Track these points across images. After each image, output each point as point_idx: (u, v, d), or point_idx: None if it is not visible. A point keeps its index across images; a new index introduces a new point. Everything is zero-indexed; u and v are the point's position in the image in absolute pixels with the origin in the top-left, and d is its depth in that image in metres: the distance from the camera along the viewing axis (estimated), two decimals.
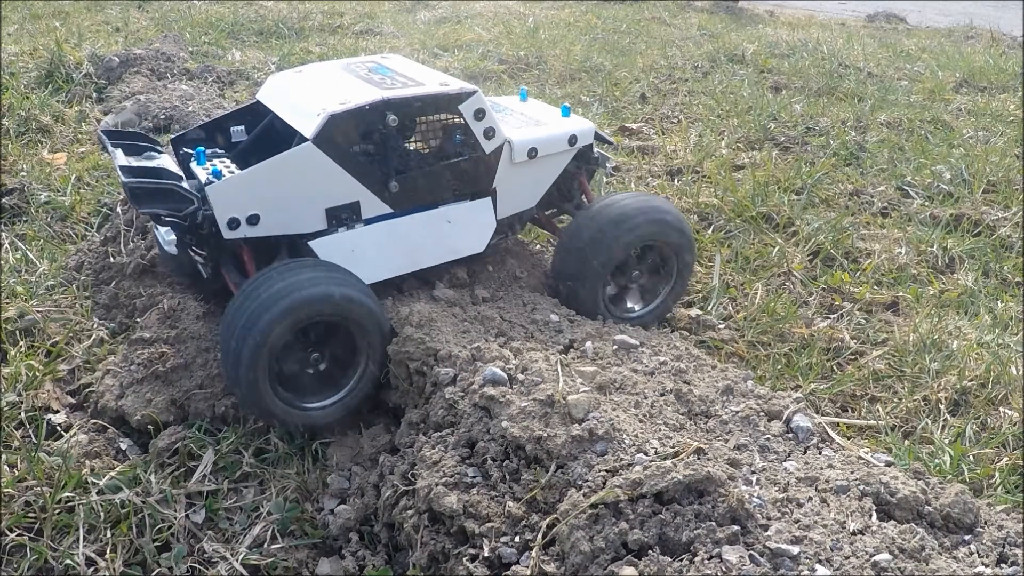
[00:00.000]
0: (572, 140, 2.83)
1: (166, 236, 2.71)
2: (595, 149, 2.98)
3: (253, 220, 2.33)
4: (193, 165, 2.63)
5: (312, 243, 2.44)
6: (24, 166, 4.10)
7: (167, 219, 2.40)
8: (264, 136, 2.77)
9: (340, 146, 2.35)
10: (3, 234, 3.44)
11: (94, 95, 5.32)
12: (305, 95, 2.54)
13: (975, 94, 6.34)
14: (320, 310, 2.26)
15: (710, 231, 3.84)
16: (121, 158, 2.48)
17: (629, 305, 2.94)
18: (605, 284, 2.81)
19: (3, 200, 3.69)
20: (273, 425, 2.42)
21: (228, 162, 2.68)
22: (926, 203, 4.25)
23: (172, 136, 2.86)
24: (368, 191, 2.46)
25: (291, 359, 2.36)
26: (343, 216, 2.46)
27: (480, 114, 2.54)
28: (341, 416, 2.45)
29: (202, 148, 2.63)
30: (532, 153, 2.72)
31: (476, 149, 2.60)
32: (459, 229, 2.66)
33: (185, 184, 2.38)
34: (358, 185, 2.43)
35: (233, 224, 2.31)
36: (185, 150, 2.78)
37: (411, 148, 2.52)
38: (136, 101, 4.97)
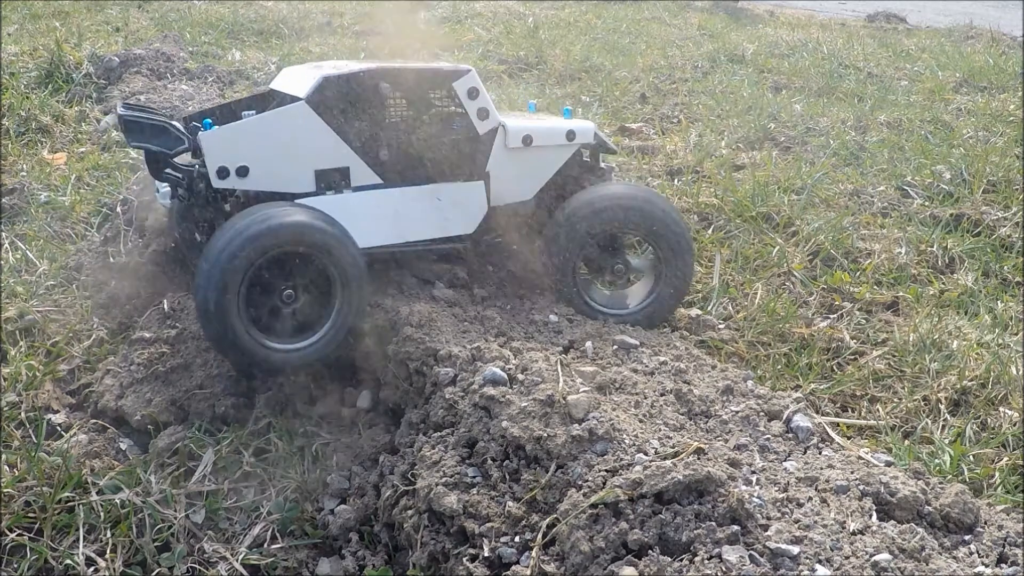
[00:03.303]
0: (570, 135, 2.84)
1: (162, 189, 2.75)
2: (602, 161, 2.99)
3: (242, 172, 2.39)
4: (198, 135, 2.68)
5: (300, 203, 2.47)
6: (24, 166, 4.10)
7: (166, 174, 2.46)
8: None
9: (332, 109, 2.42)
10: (3, 234, 3.44)
11: (94, 95, 5.31)
12: (309, 73, 2.60)
13: (975, 94, 6.34)
14: (289, 238, 2.28)
15: (710, 231, 3.84)
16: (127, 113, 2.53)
17: (621, 300, 2.92)
18: (575, 273, 2.80)
19: (3, 200, 3.69)
20: (244, 368, 2.42)
21: None
22: (926, 203, 4.25)
23: (185, 115, 2.89)
24: (358, 158, 2.51)
25: (265, 296, 2.37)
26: (332, 179, 2.50)
27: (473, 93, 2.59)
28: (314, 361, 2.44)
29: (209, 120, 2.67)
30: (527, 140, 2.74)
31: (469, 128, 2.63)
32: (449, 207, 2.68)
33: (178, 124, 2.43)
34: (348, 150, 2.48)
35: (223, 173, 2.37)
36: (195, 124, 2.82)
37: (403, 120, 2.56)
38: (136, 101, 4.97)
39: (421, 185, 2.62)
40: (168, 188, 2.65)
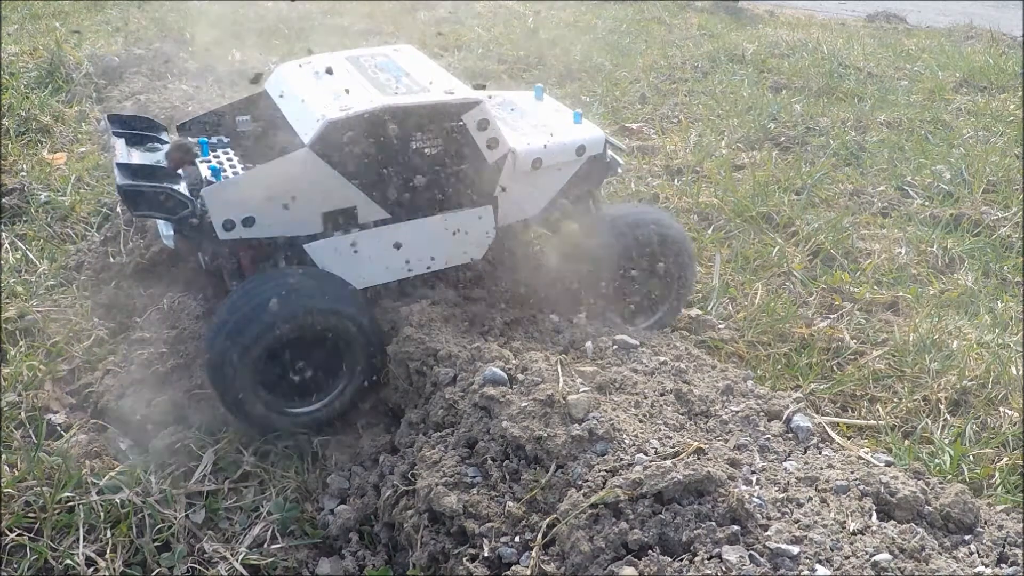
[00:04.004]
0: (580, 151, 2.78)
1: (165, 230, 2.72)
2: (608, 153, 2.95)
3: (248, 222, 2.33)
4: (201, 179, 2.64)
5: (308, 246, 2.43)
6: (24, 166, 4.10)
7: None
8: (270, 127, 2.76)
9: (338, 152, 2.33)
10: (3, 234, 3.44)
11: (94, 95, 5.31)
12: (309, 93, 2.51)
13: (975, 94, 6.34)
14: (304, 324, 2.28)
15: (710, 231, 3.84)
16: (121, 151, 2.47)
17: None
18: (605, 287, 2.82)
19: (3, 200, 3.69)
20: (257, 431, 2.43)
21: (231, 153, 2.68)
22: (926, 203, 4.25)
23: (179, 124, 2.86)
24: (365, 196, 2.44)
25: (276, 366, 2.37)
26: (339, 220, 2.44)
27: (483, 124, 2.50)
28: (326, 421, 2.46)
29: (205, 139, 2.62)
30: (536, 164, 2.69)
31: (478, 159, 2.55)
32: (457, 237, 2.63)
33: (182, 186, 2.38)
34: (355, 191, 2.41)
35: (228, 226, 2.32)
36: (190, 141, 2.78)
37: (411, 156, 2.49)
38: (136, 101, 4.97)
39: (429, 217, 2.57)
40: (171, 228, 2.63)
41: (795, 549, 1.72)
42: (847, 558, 1.72)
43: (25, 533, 2.03)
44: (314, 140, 2.30)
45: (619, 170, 3.01)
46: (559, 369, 2.25)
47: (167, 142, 2.66)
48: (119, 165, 2.36)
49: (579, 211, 2.97)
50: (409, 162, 2.47)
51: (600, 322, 2.78)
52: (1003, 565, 1.80)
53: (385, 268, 2.57)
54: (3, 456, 2.21)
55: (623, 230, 2.79)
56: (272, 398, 2.37)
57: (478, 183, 2.61)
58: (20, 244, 3.37)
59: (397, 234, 2.54)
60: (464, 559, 1.87)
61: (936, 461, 2.34)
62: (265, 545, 2.11)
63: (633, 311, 2.94)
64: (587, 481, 1.87)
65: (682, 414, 2.24)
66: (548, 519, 1.85)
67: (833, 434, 2.28)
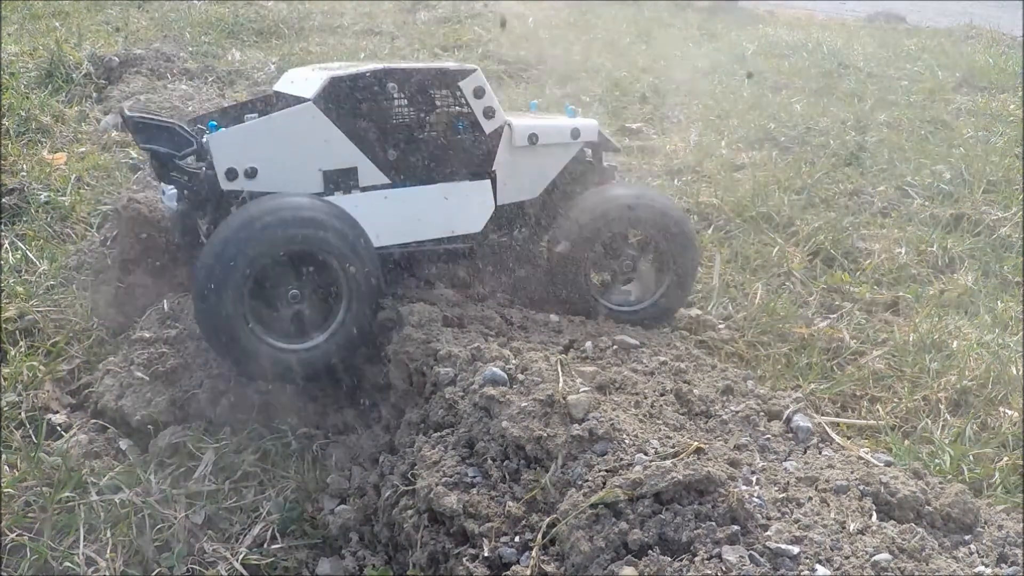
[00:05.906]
0: (575, 133, 2.86)
1: (168, 192, 2.74)
2: (604, 160, 3.01)
3: (251, 173, 2.39)
4: (205, 137, 2.68)
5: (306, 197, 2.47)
6: (24, 166, 4.10)
7: (172, 176, 2.45)
8: None
9: (340, 109, 2.43)
10: (3, 234, 3.44)
11: (94, 95, 5.31)
12: (317, 76, 2.60)
13: (975, 94, 6.34)
14: (297, 234, 2.27)
15: (710, 231, 3.84)
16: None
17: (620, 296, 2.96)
18: (587, 273, 2.84)
19: (3, 200, 3.68)
20: (247, 373, 2.39)
21: None
22: (926, 203, 4.25)
23: (187, 119, 2.89)
24: (366, 158, 2.52)
25: (269, 295, 2.36)
26: (340, 180, 2.51)
27: (480, 92, 2.62)
28: (322, 363, 2.43)
29: (215, 123, 2.67)
30: (533, 139, 2.76)
31: (475, 127, 2.65)
32: (456, 206, 2.69)
33: (185, 125, 2.46)
34: (356, 151, 2.50)
35: (231, 175, 2.37)
36: (199, 127, 2.82)
37: (409, 118, 2.58)
38: (136, 101, 4.97)
39: (428, 184, 2.63)
40: (174, 191, 2.65)
41: (795, 549, 1.72)
42: (847, 558, 1.72)
43: (25, 533, 2.03)
44: (317, 94, 2.41)
45: (615, 176, 3.06)
46: (559, 369, 2.25)
47: (183, 127, 2.71)
48: (129, 107, 2.45)
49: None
50: (407, 125, 2.58)
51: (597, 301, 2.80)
52: (1003, 565, 1.80)
53: (384, 232, 2.60)
54: (3, 456, 2.21)
55: (618, 205, 2.80)
56: (265, 333, 2.34)
57: (476, 152, 2.69)
58: (20, 244, 3.37)
59: (397, 199, 2.59)
60: (464, 559, 1.87)
61: (936, 461, 2.34)
62: (265, 545, 2.11)
63: (628, 289, 2.95)
64: (587, 481, 1.87)
65: (682, 414, 2.24)
66: (548, 519, 1.85)
67: (833, 434, 2.28)
